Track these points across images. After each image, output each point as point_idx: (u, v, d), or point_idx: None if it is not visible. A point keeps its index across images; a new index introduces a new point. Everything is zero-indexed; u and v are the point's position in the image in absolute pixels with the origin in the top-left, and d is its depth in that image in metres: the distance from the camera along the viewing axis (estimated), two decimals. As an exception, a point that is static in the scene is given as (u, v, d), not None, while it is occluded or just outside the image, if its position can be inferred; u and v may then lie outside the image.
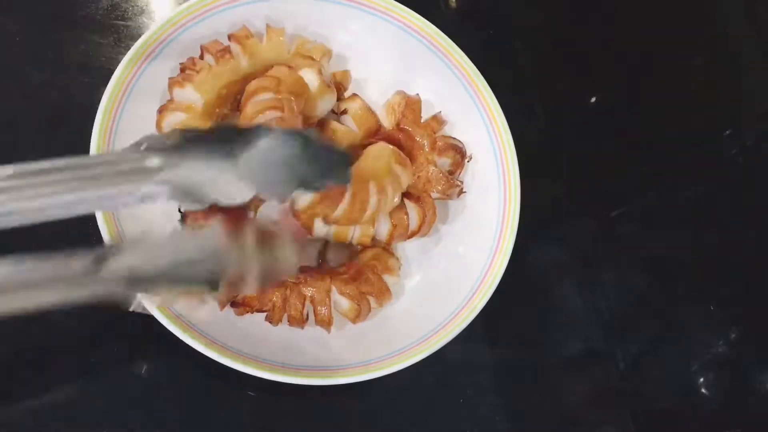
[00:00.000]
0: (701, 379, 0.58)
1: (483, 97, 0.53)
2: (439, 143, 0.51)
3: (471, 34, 0.62)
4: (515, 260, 0.49)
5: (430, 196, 0.50)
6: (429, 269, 0.51)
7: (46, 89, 0.51)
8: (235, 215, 0.46)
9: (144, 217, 0.45)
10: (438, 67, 0.54)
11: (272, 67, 0.49)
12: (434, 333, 0.47)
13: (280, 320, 0.45)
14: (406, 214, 0.48)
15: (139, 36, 0.47)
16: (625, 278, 0.60)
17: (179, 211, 0.47)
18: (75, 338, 0.45)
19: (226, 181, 0.33)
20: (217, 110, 0.48)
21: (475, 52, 0.54)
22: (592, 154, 0.64)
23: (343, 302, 0.46)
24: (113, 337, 0.45)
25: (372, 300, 0.47)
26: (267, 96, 0.43)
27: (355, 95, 0.51)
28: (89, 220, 0.42)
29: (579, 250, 0.59)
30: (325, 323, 0.46)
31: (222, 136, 0.33)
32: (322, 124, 0.50)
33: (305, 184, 0.35)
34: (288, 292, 0.45)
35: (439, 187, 0.50)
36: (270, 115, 0.42)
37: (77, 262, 0.29)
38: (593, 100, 0.67)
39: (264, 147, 0.33)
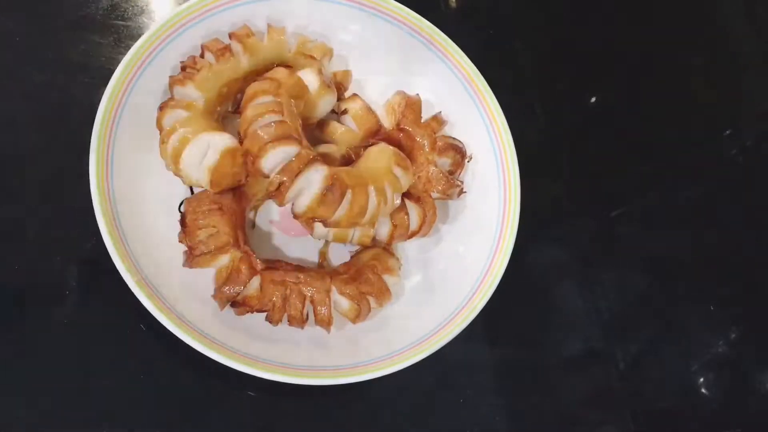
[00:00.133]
0: (701, 379, 0.58)
1: (483, 97, 0.53)
2: (439, 143, 0.51)
3: (471, 34, 0.62)
4: (515, 260, 0.49)
5: (431, 197, 0.50)
6: (429, 269, 0.51)
7: (46, 89, 0.51)
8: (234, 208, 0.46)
9: (144, 217, 0.45)
10: (438, 67, 0.54)
11: (273, 65, 0.49)
12: (434, 333, 0.47)
13: (280, 320, 0.45)
14: (407, 214, 0.48)
15: (139, 36, 0.47)
16: (625, 278, 0.60)
17: (179, 210, 0.47)
18: (75, 338, 0.45)
19: None
20: (218, 108, 0.48)
21: (475, 52, 0.54)
22: (592, 154, 0.65)
23: (343, 302, 0.46)
24: (113, 337, 0.45)
25: (372, 300, 0.47)
26: (267, 99, 0.43)
27: (355, 95, 0.51)
28: (89, 219, 0.42)
29: (579, 250, 0.59)
30: (325, 323, 0.46)
31: None
32: (322, 124, 0.50)
33: None
34: (288, 292, 0.45)
35: (440, 187, 0.50)
36: (270, 119, 0.42)
37: None
38: (593, 100, 0.67)
39: None
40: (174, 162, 0.44)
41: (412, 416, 0.50)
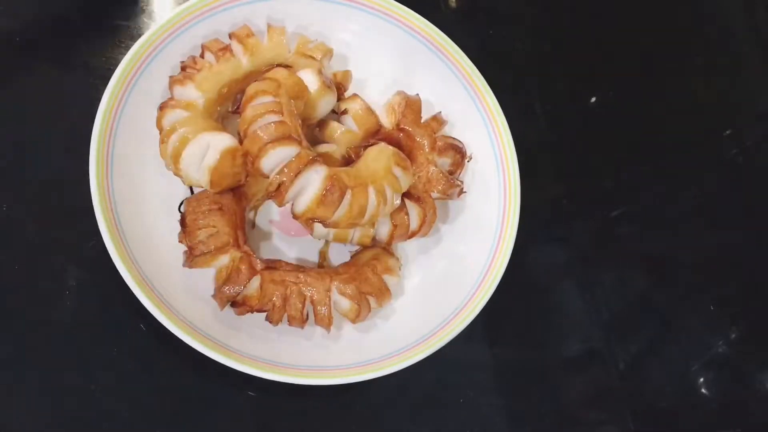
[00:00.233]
0: (701, 379, 0.58)
1: (483, 97, 0.53)
2: (439, 143, 0.51)
3: (471, 34, 0.62)
4: (515, 260, 0.49)
5: (431, 197, 0.50)
6: (429, 269, 0.51)
7: (46, 89, 0.51)
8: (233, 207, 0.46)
9: (144, 217, 0.45)
10: (438, 67, 0.54)
11: (273, 65, 0.49)
12: (434, 333, 0.47)
13: (280, 320, 0.45)
14: (407, 214, 0.48)
15: (139, 36, 0.47)
16: (625, 278, 0.60)
17: (179, 210, 0.47)
18: (74, 338, 0.45)
19: None
20: (218, 108, 0.48)
21: (475, 52, 0.54)
22: (592, 154, 0.65)
23: (343, 302, 0.46)
24: (113, 337, 0.45)
25: (372, 300, 0.47)
26: (266, 99, 0.43)
27: (355, 95, 0.51)
28: (89, 219, 0.42)
29: (579, 250, 0.59)
30: (325, 323, 0.46)
31: None
32: (322, 124, 0.50)
33: None
34: (288, 292, 0.45)
35: (440, 187, 0.50)
36: (269, 119, 0.42)
37: None
38: (593, 100, 0.67)
39: None
40: (174, 162, 0.44)
41: (412, 416, 0.50)
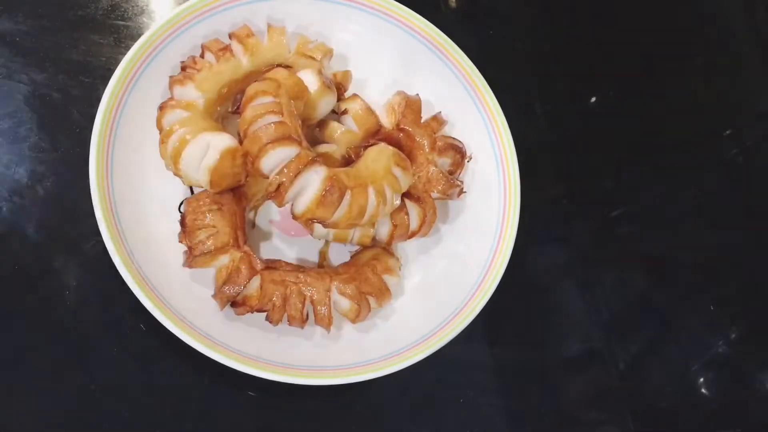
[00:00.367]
0: (701, 379, 0.58)
1: (483, 97, 0.53)
2: (439, 143, 0.51)
3: (471, 34, 0.62)
4: (515, 260, 0.49)
5: (431, 197, 0.50)
6: (429, 269, 0.51)
7: (46, 89, 0.51)
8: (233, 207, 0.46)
9: (144, 217, 0.45)
10: (438, 67, 0.54)
11: (273, 66, 0.49)
12: (434, 333, 0.47)
13: (280, 320, 0.45)
14: (407, 214, 0.48)
15: (139, 36, 0.47)
16: (625, 278, 0.60)
17: (179, 210, 0.47)
18: (74, 338, 0.45)
19: None
20: (218, 108, 0.48)
21: (475, 52, 0.54)
22: (592, 154, 0.65)
23: (343, 302, 0.46)
24: (113, 337, 0.45)
25: (372, 300, 0.47)
26: (266, 100, 0.43)
27: (355, 95, 0.51)
28: (89, 219, 0.42)
29: (579, 250, 0.59)
30: (325, 323, 0.46)
31: None
32: (322, 124, 0.50)
33: None
34: (288, 291, 0.45)
35: (440, 187, 0.50)
36: (269, 119, 0.42)
37: None
38: (593, 100, 0.67)
39: None
40: (174, 162, 0.44)
41: (412, 416, 0.50)
